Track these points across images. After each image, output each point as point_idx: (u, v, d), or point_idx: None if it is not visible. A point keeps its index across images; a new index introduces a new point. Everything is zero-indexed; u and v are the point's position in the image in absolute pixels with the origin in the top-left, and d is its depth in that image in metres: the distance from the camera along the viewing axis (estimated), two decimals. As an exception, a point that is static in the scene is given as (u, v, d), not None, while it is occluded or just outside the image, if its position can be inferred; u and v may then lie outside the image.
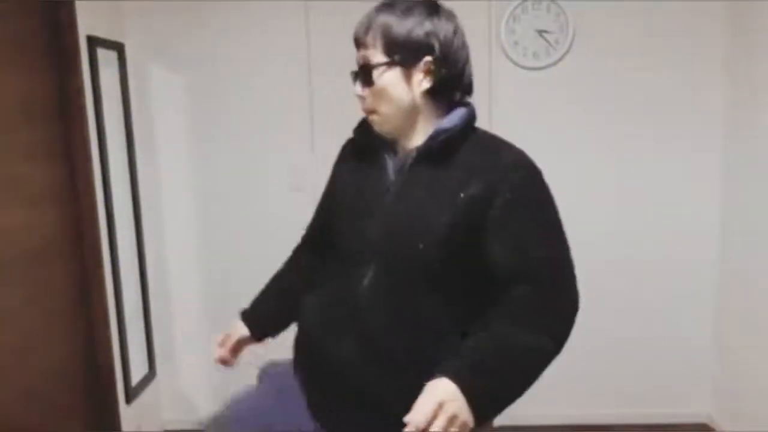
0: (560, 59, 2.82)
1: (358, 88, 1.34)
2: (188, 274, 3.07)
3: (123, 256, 2.70)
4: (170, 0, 2.85)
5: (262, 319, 1.67)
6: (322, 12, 2.85)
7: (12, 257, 2.08)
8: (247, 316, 1.68)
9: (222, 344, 1.69)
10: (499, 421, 3.33)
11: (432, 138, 1.32)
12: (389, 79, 1.30)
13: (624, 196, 2.92)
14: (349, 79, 1.37)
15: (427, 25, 1.29)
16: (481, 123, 3.14)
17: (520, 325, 1.27)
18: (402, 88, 1.31)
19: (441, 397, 1.15)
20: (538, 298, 1.28)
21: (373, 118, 1.36)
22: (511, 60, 2.83)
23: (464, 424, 1.17)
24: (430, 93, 1.32)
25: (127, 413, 2.73)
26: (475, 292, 1.31)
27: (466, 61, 1.38)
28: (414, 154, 1.33)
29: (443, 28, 1.31)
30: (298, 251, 1.71)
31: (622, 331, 3.01)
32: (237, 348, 1.69)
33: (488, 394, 1.23)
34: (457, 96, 1.39)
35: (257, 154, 2.97)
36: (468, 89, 1.42)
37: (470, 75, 1.41)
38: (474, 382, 1.19)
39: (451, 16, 1.34)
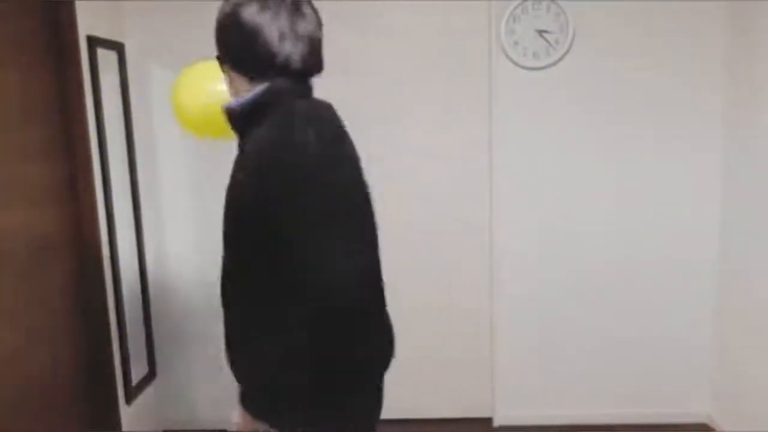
0: (560, 59, 2.82)
1: None
2: (188, 273, 3.07)
3: (123, 256, 2.70)
4: (170, 0, 2.85)
5: None
6: (321, 12, 2.84)
7: (12, 257, 2.08)
8: None
9: None
10: (499, 421, 3.34)
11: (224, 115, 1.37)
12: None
13: (624, 196, 2.92)
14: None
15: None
16: (481, 123, 3.13)
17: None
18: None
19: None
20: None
21: None
22: (511, 60, 2.83)
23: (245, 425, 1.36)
24: (238, 73, 1.38)
25: (127, 413, 2.73)
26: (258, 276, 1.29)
27: (251, 39, 1.35)
28: None
29: (220, 11, 1.39)
30: None
31: (622, 331, 3.01)
32: None
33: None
34: (267, 75, 1.35)
35: (257, 154, 2.97)
36: (273, 68, 1.35)
37: (264, 53, 1.34)
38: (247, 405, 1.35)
39: None
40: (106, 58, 2.61)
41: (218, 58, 1.44)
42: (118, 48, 2.72)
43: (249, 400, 1.35)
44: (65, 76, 2.38)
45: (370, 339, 1.32)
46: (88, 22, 2.47)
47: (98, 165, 2.52)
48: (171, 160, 2.99)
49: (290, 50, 1.35)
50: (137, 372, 2.84)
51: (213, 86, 1.81)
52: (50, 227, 2.31)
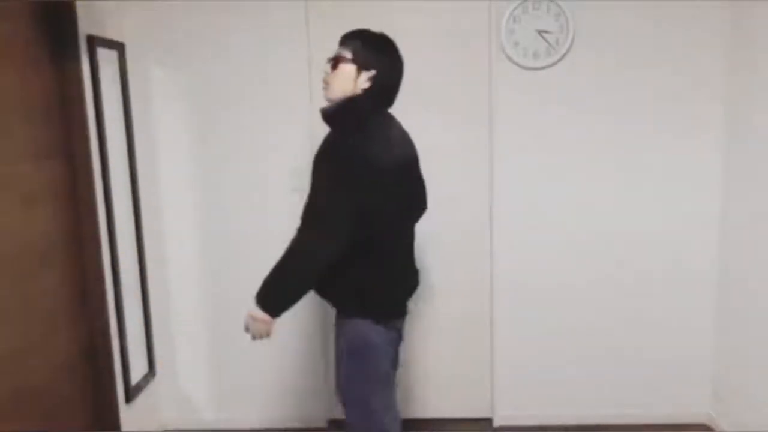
0: (560, 59, 2.82)
1: None
2: (188, 274, 3.07)
3: (123, 257, 2.70)
4: (170, 0, 2.85)
5: None
6: (322, 12, 2.85)
7: (12, 257, 2.08)
8: None
9: None
10: (500, 421, 3.35)
11: None
12: None
13: (624, 196, 2.92)
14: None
15: None
16: (481, 123, 3.14)
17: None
18: None
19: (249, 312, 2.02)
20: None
21: None
22: (511, 60, 2.83)
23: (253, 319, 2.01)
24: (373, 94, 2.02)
25: (127, 413, 2.73)
26: None
27: (398, 83, 2.08)
28: None
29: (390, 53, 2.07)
30: None
31: (621, 331, 3.01)
32: None
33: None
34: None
35: (257, 154, 2.97)
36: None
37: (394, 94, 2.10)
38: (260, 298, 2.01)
39: None
40: (106, 58, 2.61)
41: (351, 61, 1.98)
42: (118, 48, 2.72)
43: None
44: (65, 75, 2.37)
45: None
46: (88, 22, 2.47)
47: (98, 165, 2.52)
48: (171, 160, 2.99)
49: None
50: (137, 372, 2.84)
51: None
52: (50, 227, 2.31)
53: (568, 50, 2.81)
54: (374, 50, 1.99)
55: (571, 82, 2.84)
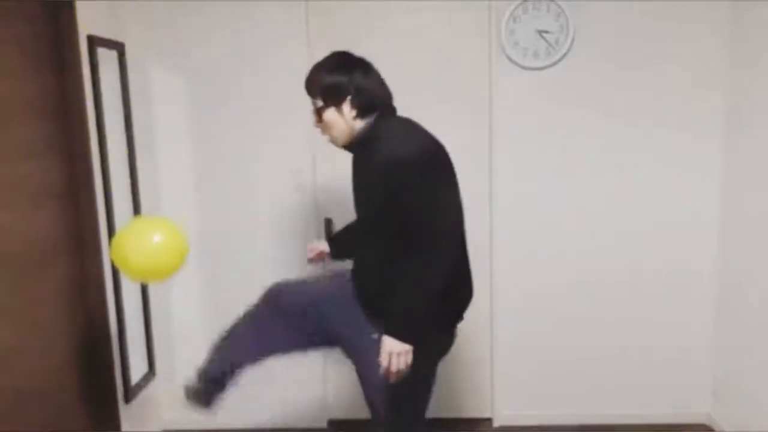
0: (560, 59, 2.82)
1: None
2: (188, 273, 3.06)
3: (123, 256, 2.70)
4: (170, 0, 2.85)
5: (340, 246, 2.33)
6: (322, 12, 2.85)
7: (12, 257, 2.08)
8: (332, 240, 2.38)
9: (312, 250, 2.35)
10: (500, 421, 3.34)
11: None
12: None
13: (624, 196, 2.92)
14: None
15: None
16: (481, 123, 3.13)
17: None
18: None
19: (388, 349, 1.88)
20: None
21: None
22: (511, 60, 2.83)
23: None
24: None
25: (126, 413, 2.73)
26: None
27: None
28: None
29: (328, 75, 2.00)
30: None
31: (621, 331, 3.01)
32: (319, 257, 2.36)
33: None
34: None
35: (257, 154, 2.97)
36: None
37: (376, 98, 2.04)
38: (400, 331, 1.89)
39: None
40: (106, 58, 2.61)
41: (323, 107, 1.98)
42: (118, 48, 2.72)
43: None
44: (65, 75, 2.37)
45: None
46: (88, 21, 2.47)
47: (98, 165, 2.52)
48: (171, 160, 2.99)
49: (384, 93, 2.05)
50: (137, 371, 2.84)
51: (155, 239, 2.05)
52: (50, 227, 2.31)
53: (568, 50, 2.81)
54: (338, 75, 1.95)
55: (571, 82, 2.84)
